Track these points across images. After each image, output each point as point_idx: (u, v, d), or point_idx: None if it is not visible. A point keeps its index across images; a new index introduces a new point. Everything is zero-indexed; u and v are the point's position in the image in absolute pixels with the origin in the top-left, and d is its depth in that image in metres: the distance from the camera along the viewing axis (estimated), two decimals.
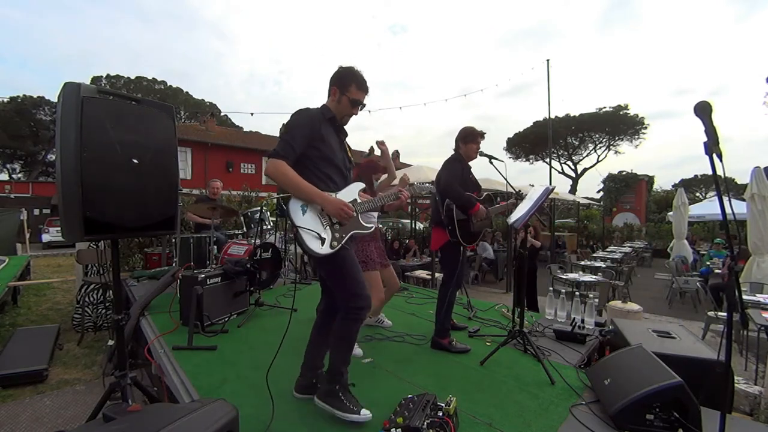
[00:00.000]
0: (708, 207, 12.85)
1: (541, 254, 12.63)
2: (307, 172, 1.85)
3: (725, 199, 1.23)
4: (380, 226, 3.18)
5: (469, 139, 2.85)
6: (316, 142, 1.86)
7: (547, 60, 14.26)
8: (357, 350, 2.67)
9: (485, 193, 3.04)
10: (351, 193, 1.98)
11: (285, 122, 1.91)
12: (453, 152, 2.93)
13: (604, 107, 28.82)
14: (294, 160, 1.81)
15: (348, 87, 1.90)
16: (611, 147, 30.09)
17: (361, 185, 2.05)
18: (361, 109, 1.98)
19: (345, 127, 2.05)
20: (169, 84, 33.91)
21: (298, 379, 2.10)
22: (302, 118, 1.86)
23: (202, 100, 36.10)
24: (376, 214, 2.99)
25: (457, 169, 2.81)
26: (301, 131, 1.83)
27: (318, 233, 1.77)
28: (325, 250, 1.77)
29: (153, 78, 33.27)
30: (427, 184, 2.22)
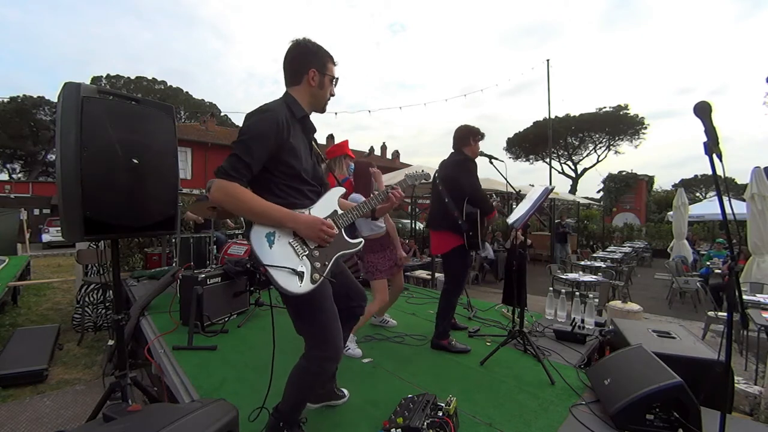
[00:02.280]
0: (708, 207, 12.86)
1: (538, 253, 12.69)
2: (272, 188, 1.47)
3: (725, 199, 1.23)
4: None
5: (477, 138, 2.80)
6: (283, 155, 1.45)
7: (547, 60, 14.32)
8: (356, 350, 2.66)
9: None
10: (328, 204, 1.59)
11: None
12: (457, 153, 2.82)
13: (604, 107, 28.85)
14: (248, 182, 1.40)
15: (326, 64, 1.56)
16: (611, 147, 30.08)
17: (341, 190, 1.69)
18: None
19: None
20: (169, 84, 33.97)
21: None
22: (265, 125, 1.40)
23: (202, 100, 36.16)
24: (381, 219, 2.78)
25: (475, 172, 2.73)
26: (262, 143, 1.38)
27: (293, 268, 1.39)
28: (305, 287, 1.40)
29: (153, 78, 33.36)
30: (420, 171, 1.92)
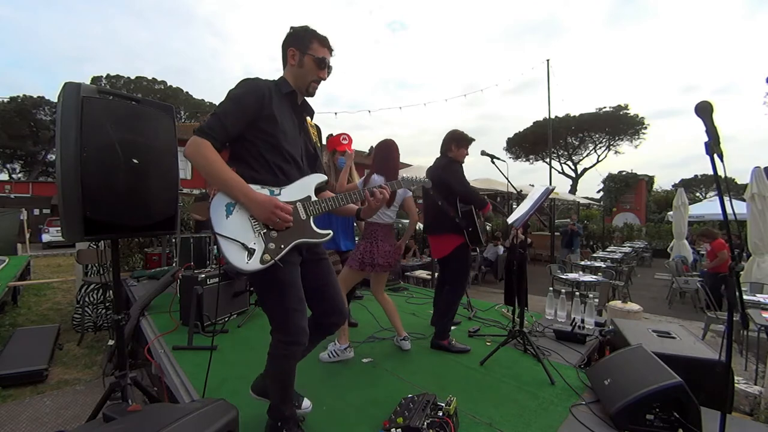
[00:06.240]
0: (708, 207, 12.88)
1: (538, 253, 12.70)
2: (249, 160, 1.48)
3: (726, 199, 1.22)
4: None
5: (462, 144, 2.85)
6: (262, 123, 1.46)
7: (547, 60, 14.30)
8: (352, 353, 2.62)
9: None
10: (303, 188, 1.55)
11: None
12: (443, 157, 2.88)
13: (604, 107, 28.87)
14: (223, 144, 1.40)
15: (308, 44, 1.54)
16: (611, 147, 30.11)
17: (321, 178, 1.62)
18: (329, 74, 1.61)
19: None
20: (169, 84, 33.94)
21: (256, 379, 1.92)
22: (246, 90, 1.44)
23: (202, 100, 36.09)
24: (393, 211, 2.67)
25: (461, 171, 2.81)
26: (241, 107, 1.42)
27: (243, 243, 1.37)
28: (252, 265, 1.36)
29: (153, 78, 33.30)
30: (418, 178, 1.80)
